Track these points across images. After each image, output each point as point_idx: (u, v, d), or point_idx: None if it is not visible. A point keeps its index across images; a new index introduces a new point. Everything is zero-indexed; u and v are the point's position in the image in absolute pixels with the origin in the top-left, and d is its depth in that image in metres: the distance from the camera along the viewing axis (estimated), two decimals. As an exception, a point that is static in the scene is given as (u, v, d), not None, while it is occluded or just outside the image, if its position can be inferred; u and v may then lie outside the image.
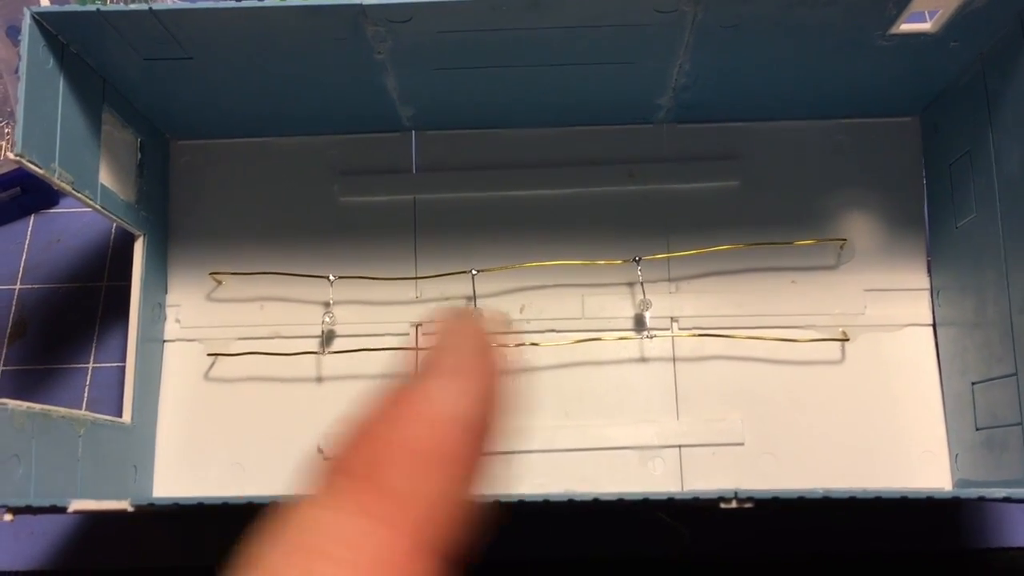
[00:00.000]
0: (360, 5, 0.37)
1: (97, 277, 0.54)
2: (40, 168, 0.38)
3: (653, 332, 0.48)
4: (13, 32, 0.58)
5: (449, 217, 0.50)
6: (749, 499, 0.33)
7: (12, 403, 0.36)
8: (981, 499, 0.33)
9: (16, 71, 0.57)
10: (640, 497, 0.33)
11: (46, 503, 0.34)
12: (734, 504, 0.33)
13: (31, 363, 0.52)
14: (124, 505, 0.34)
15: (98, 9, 0.37)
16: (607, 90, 0.46)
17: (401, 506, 0.19)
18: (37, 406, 0.37)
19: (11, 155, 0.36)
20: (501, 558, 0.47)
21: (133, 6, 0.37)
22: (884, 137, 0.49)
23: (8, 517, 0.34)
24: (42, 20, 0.37)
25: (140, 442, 0.46)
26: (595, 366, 0.48)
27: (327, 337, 0.49)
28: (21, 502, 0.34)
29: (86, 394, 0.51)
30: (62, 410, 0.39)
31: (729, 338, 0.48)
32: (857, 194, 0.49)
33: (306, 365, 0.49)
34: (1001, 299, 0.41)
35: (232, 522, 0.46)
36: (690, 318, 0.48)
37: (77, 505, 0.34)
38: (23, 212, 0.56)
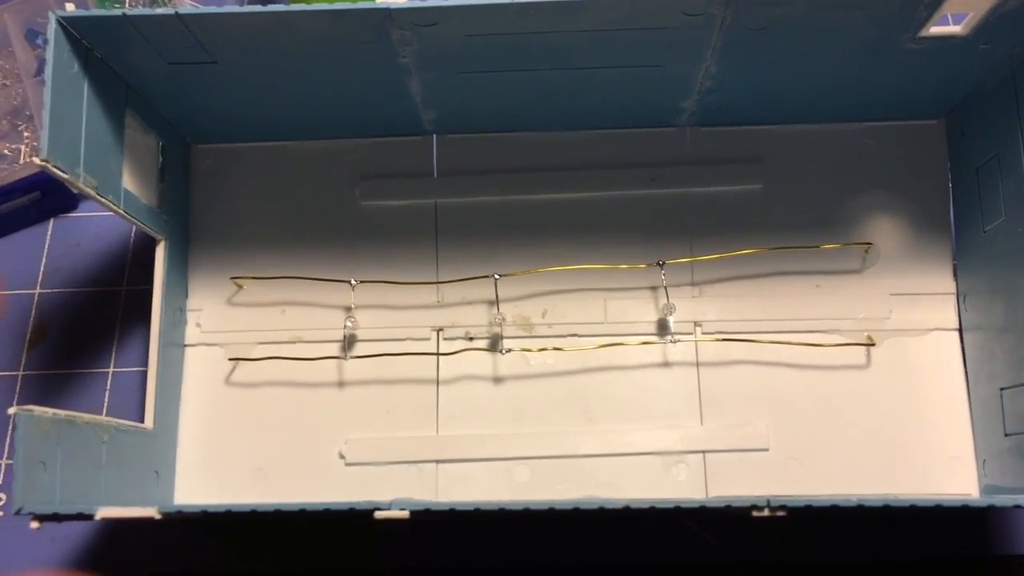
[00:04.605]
0: (387, 9, 0.36)
1: (117, 281, 0.54)
2: (65, 173, 0.37)
3: (677, 337, 0.48)
4: (32, 35, 0.58)
5: (471, 221, 0.50)
6: (782, 507, 0.33)
7: (38, 409, 0.35)
8: (1017, 507, 0.33)
9: (35, 75, 0.57)
10: (672, 504, 0.33)
11: (73, 510, 0.34)
12: (767, 512, 0.33)
13: (51, 368, 0.52)
14: (151, 512, 0.34)
15: (124, 13, 0.36)
16: (631, 93, 0.46)
17: None
18: (63, 412, 0.37)
19: (37, 160, 0.36)
20: (517, 564, 0.47)
21: (159, 10, 0.36)
22: (909, 140, 0.49)
23: (35, 525, 0.34)
24: (67, 24, 0.37)
25: (162, 447, 0.46)
26: (618, 371, 0.48)
27: (349, 341, 0.48)
28: (48, 509, 0.34)
29: (106, 399, 0.51)
30: (87, 416, 0.39)
31: (753, 343, 0.47)
32: (882, 197, 0.49)
33: (328, 370, 0.48)
34: (1032, 304, 0.41)
35: (254, 527, 0.46)
36: (714, 322, 0.48)
37: (104, 512, 0.34)
38: (42, 216, 0.56)
